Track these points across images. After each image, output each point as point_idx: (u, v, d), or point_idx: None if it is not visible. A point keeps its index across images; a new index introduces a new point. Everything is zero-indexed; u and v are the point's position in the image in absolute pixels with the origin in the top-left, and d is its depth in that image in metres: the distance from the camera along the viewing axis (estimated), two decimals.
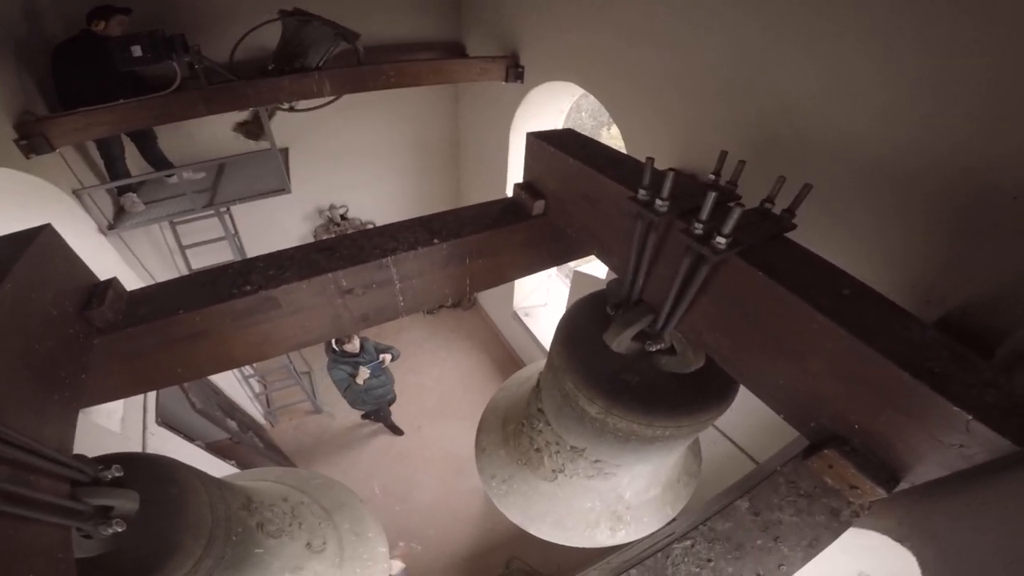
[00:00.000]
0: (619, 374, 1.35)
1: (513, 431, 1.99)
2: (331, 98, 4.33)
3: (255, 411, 6.35)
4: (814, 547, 0.92)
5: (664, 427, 1.33)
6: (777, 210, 1.18)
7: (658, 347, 1.31)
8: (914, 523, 1.04)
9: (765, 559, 0.90)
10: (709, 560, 0.89)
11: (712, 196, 0.99)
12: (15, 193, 3.31)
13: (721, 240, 0.98)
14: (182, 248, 4.71)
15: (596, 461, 1.58)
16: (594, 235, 1.45)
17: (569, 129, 1.76)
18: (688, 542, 0.90)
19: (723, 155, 1.31)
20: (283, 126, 4.98)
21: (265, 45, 4.21)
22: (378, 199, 7.10)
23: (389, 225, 1.61)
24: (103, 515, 1.07)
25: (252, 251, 5.02)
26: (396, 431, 6.57)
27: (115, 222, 4.23)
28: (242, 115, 5.08)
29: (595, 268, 4.17)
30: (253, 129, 5.17)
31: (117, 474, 1.16)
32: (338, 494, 2.10)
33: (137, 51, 3.52)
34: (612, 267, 1.43)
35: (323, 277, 1.40)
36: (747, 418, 2.75)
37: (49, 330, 1.11)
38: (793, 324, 0.97)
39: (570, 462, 1.66)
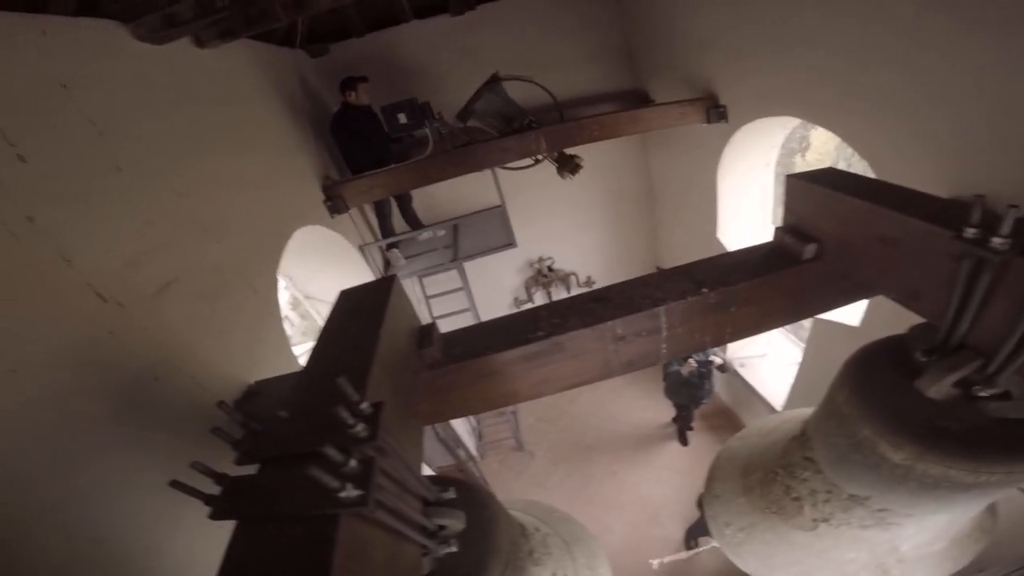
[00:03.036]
0: (935, 420, 1.25)
1: (760, 480, 1.92)
2: (545, 155, 4.72)
3: (470, 443, 6.90)
4: None
5: (992, 473, 1.19)
6: None
7: (990, 392, 1.18)
8: None
9: None
10: None
11: None
12: (324, 245, 4.08)
13: None
14: (427, 298, 5.41)
15: (880, 510, 1.48)
16: (891, 277, 1.37)
17: (831, 168, 1.71)
18: None
19: None
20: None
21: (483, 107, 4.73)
22: (580, 249, 7.40)
23: (650, 275, 1.69)
24: (439, 534, 1.15)
25: (478, 301, 5.65)
26: (682, 439, 6.66)
27: (385, 273, 4.96)
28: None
29: (840, 315, 3.75)
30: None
31: (452, 496, 1.26)
32: (575, 528, 2.17)
33: (403, 118, 4.20)
34: (917, 310, 1.33)
35: (603, 325, 1.52)
36: None
37: (405, 364, 1.39)
38: None
39: (842, 511, 1.56)
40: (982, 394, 1.19)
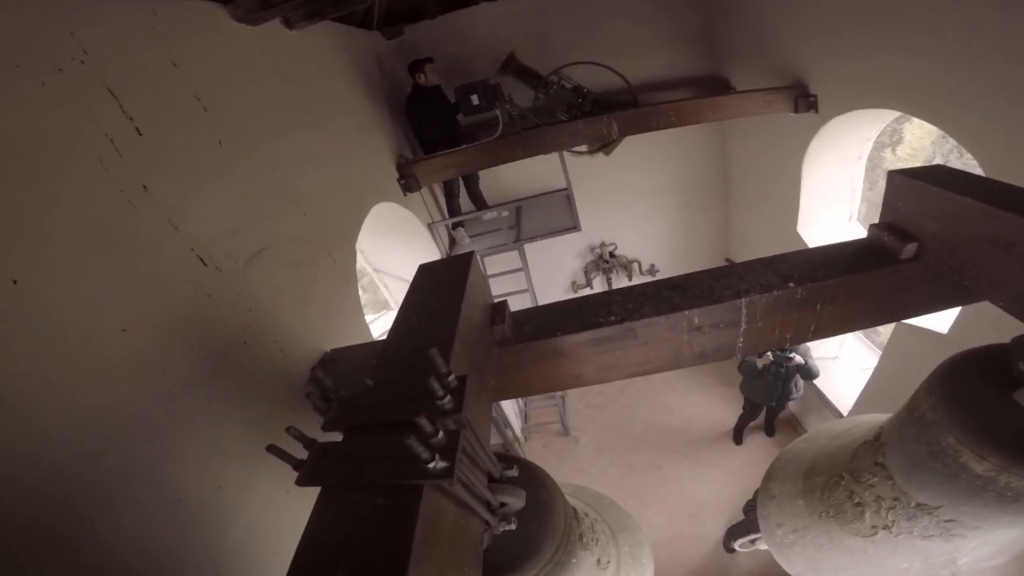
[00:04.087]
0: None
1: (823, 483, 1.87)
2: (616, 140, 4.64)
3: (516, 424, 6.98)
4: None
5: None
6: None
7: None
8: None
9: None
10: None
11: None
12: (395, 221, 4.24)
13: None
14: (486, 277, 5.43)
15: (948, 520, 1.43)
16: (1000, 283, 1.27)
17: (941, 165, 1.60)
18: None
19: None
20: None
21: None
22: (645, 236, 7.30)
23: (731, 266, 1.64)
24: (500, 511, 1.17)
25: (535, 282, 5.70)
26: (737, 437, 6.41)
27: (451, 251, 5.15)
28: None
29: (926, 321, 3.52)
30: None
31: (515, 474, 1.30)
32: (622, 517, 2.17)
33: (476, 100, 4.28)
34: None
35: (679, 314, 1.50)
36: None
37: (480, 340, 1.41)
38: None
39: (906, 519, 1.52)
40: None
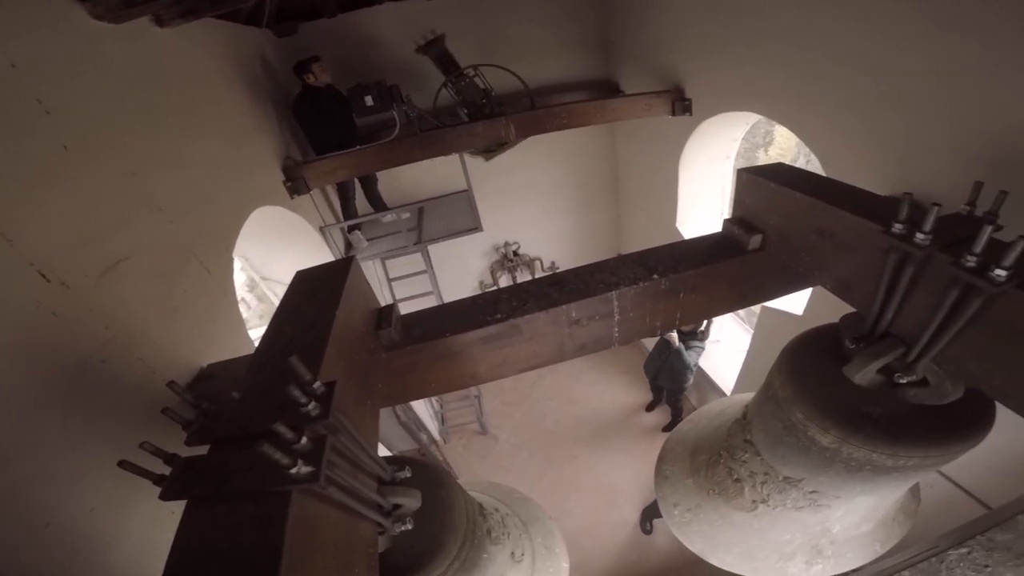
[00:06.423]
0: (859, 406, 1.33)
1: (706, 461, 2.01)
2: (515, 141, 4.72)
3: (432, 427, 6.92)
4: None
5: (909, 457, 1.29)
6: None
7: (909, 379, 1.28)
8: None
9: None
10: (987, 566, 0.86)
11: (988, 229, 0.98)
12: (283, 226, 4.02)
13: (1001, 272, 0.96)
14: (389, 280, 5.39)
15: (812, 492, 1.57)
16: (827, 269, 1.45)
17: (781, 163, 1.79)
18: (964, 549, 0.89)
19: (978, 185, 1.26)
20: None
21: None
22: (545, 234, 7.49)
23: (605, 261, 1.74)
24: (394, 512, 1.18)
25: (442, 284, 5.66)
26: (676, 415, 6.48)
27: (346, 256, 4.89)
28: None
29: (785, 304, 3.94)
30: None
31: (407, 475, 1.31)
32: (533, 510, 2.24)
33: (369, 100, 4.17)
34: (849, 300, 1.42)
35: (558, 309, 1.56)
36: (978, 460, 2.39)
37: (361, 344, 1.38)
38: None
39: (777, 492, 1.65)
40: (902, 381, 1.29)
